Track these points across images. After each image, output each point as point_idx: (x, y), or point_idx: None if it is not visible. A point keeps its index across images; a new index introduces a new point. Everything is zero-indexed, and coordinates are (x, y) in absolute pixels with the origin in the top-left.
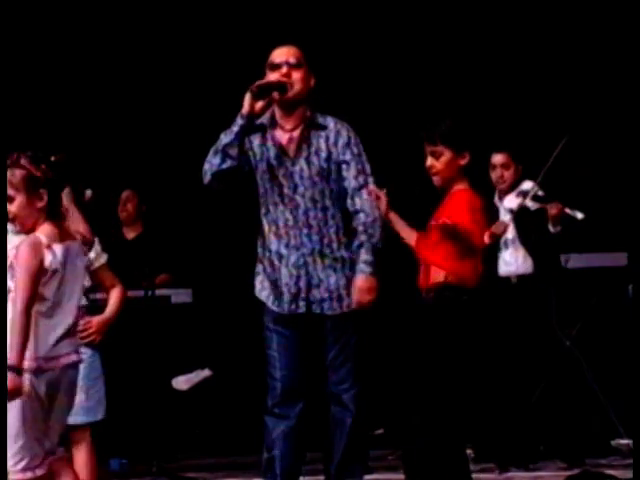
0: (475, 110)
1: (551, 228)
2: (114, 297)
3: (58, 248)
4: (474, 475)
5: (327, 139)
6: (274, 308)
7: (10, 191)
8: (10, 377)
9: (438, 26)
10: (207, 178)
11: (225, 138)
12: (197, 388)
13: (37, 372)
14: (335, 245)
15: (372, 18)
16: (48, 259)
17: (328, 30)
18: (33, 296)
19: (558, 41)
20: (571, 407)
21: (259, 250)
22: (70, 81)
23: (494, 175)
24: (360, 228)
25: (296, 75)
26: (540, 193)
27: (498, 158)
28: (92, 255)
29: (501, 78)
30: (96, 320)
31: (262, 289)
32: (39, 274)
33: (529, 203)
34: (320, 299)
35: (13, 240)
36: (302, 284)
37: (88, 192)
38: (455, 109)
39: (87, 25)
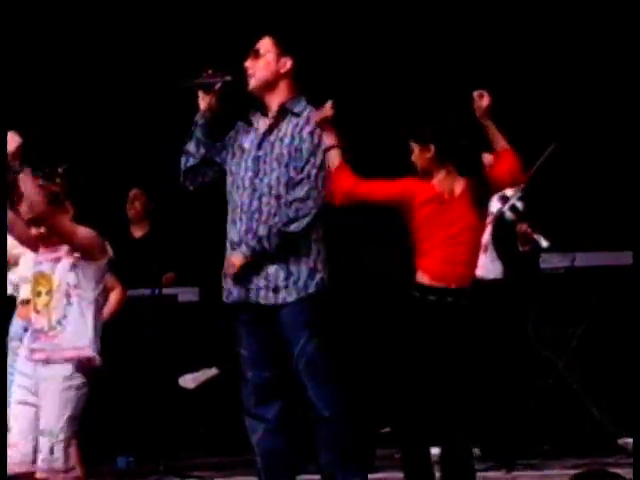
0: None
1: (520, 247)
2: (112, 299)
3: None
4: (481, 474)
5: (296, 125)
6: (225, 300)
7: (29, 215)
8: None
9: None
10: (181, 179)
11: (186, 138)
12: (204, 386)
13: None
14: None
15: (361, 18)
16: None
17: (327, 30)
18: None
19: (544, 45)
20: (576, 406)
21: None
22: (79, 81)
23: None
24: (284, 218)
25: (253, 64)
26: (519, 205)
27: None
28: None
29: (495, 79)
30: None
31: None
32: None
33: (507, 212)
34: (256, 287)
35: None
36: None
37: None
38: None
39: (95, 25)
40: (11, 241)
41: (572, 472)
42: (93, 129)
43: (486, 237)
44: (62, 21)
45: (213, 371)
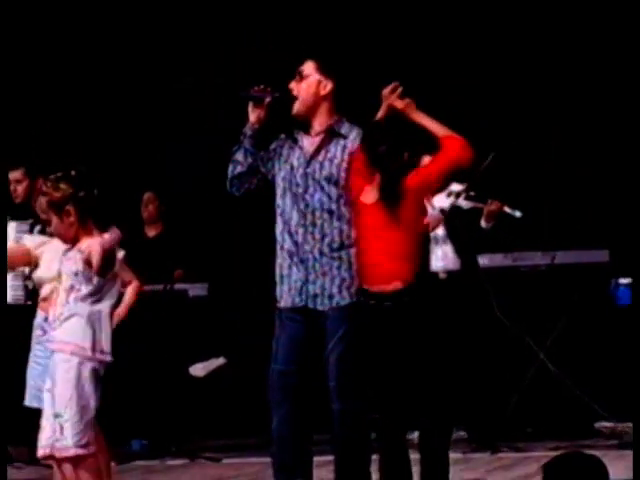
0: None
1: (483, 223)
2: (129, 292)
3: None
4: (468, 455)
5: (344, 147)
6: (280, 303)
7: (43, 215)
8: None
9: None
10: (227, 186)
11: (235, 147)
12: (212, 374)
13: (101, 362)
14: (336, 245)
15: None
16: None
17: (325, 31)
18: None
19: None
20: (557, 393)
21: (277, 247)
22: (93, 88)
23: None
24: (336, 235)
25: (297, 86)
26: (472, 194)
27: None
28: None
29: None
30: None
31: (277, 284)
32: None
33: (462, 202)
34: (314, 294)
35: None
36: (302, 279)
37: None
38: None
39: (104, 26)
40: (32, 242)
41: (552, 453)
42: (110, 138)
43: (440, 232)
44: (76, 25)
45: (221, 360)
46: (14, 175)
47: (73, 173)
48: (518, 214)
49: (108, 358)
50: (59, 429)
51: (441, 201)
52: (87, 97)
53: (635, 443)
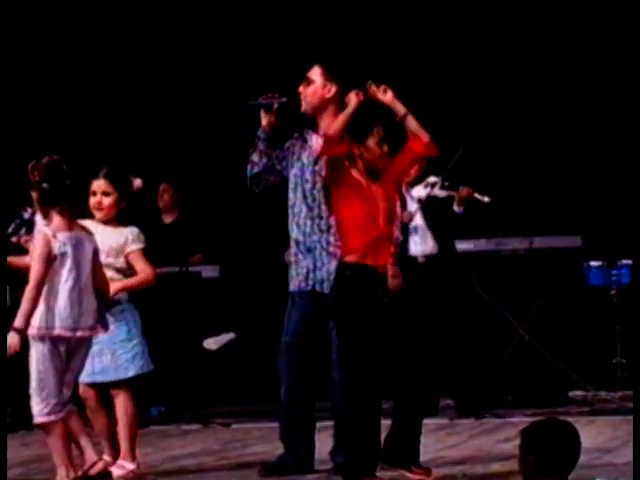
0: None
1: (456, 208)
2: (136, 278)
3: (63, 236)
4: (454, 421)
5: None
6: (290, 287)
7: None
8: (10, 335)
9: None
10: (248, 183)
11: (251, 149)
12: (223, 348)
13: (58, 338)
14: (338, 236)
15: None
16: (55, 246)
17: (325, 31)
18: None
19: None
20: (535, 366)
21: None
22: (94, 88)
23: None
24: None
25: (304, 90)
26: (446, 184)
27: None
28: (122, 241)
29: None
30: (115, 283)
31: (289, 270)
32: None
33: (438, 192)
34: (321, 280)
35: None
36: (310, 266)
37: (137, 181)
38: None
39: (105, 27)
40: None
41: (530, 419)
42: (127, 132)
43: (418, 221)
44: (78, 26)
45: (231, 335)
46: None
47: (44, 161)
48: (487, 199)
49: (55, 332)
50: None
51: (419, 191)
52: (89, 97)
53: (635, 415)
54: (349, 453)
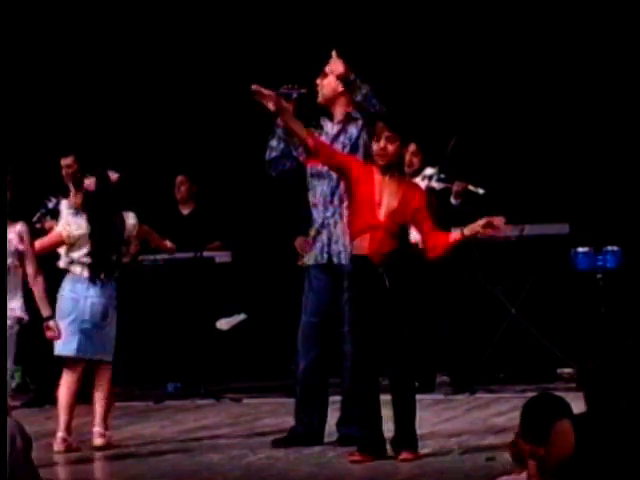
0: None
1: (453, 201)
2: (165, 242)
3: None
4: (449, 397)
5: (357, 126)
6: (309, 261)
7: None
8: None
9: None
10: (265, 167)
11: (270, 136)
12: (235, 328)
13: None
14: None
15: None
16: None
17: (326, 32)
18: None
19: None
20: (526, 344)
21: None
22: (126, 75)
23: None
24: None
25: (320, 82)
26: (442, 176)
27: (412, 147)
28: (131, 222)
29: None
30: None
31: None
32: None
33: (434, 184)
34: (337, 252)
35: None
36: (325, 241)
37: (114, 175)
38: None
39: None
40: (76, 224)
41: (521, 395)
42: (148, 126)
43: None
44: (83, 28)
45: (242, 316)
46: (66, 161)
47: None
48: (481, 191)
49: (16, 313)
50: None
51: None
52: (106, 92)
53: None
54: (365, 427)
